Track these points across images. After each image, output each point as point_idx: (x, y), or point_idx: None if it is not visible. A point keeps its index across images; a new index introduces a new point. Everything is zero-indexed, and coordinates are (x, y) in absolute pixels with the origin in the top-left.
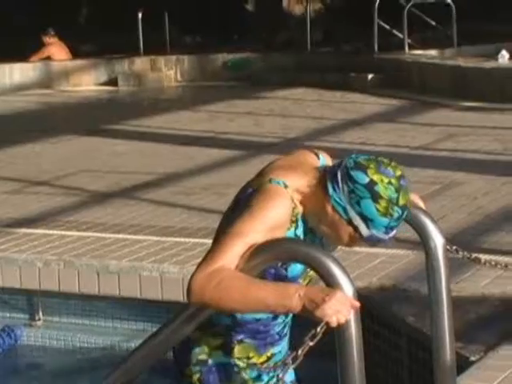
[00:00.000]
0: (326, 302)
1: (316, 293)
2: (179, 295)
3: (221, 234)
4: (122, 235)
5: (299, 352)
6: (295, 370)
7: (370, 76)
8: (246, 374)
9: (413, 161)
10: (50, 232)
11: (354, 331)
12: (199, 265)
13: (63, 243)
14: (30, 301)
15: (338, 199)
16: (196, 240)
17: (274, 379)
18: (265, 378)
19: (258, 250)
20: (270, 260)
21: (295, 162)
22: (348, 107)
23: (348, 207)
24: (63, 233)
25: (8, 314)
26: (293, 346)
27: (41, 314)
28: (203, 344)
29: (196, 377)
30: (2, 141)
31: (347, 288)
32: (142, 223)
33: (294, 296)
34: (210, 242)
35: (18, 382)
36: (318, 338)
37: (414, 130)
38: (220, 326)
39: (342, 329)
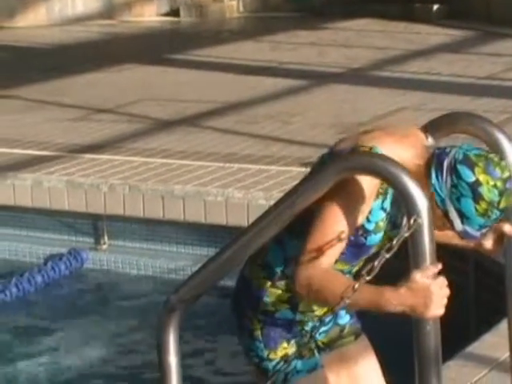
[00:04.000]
0: (429, 306)
1: (414, 299)
2: (243, 220)
3: (317, 216)
4: (187, 161)
5: (375, 263)
6: (358, 316)
7: (435, 6)
8: (307, 327)
9: (480, 91)
10: (115, 158)
11: None
12: (303, 257)
13: (128, 168)
14: (96, 225)
15: (438, 189)
16: (260, 167)
17: (331, 324)
18: (322, 327)
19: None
20: (347, 171)
21: (402, 133)
22: (412, 38)
23: (447, 200)
24: (128, 158)
25: (74, 238)
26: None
27: (106, 238)
28: (272, 296)
29: (258, 325)
30: (65, 70)
31: (422, 208)
32: (206, 150)
33: (390, 305)
34: (274, 168)
35: (82, 304)
36: (393, 250)
37: (480, 60)
38: (290, 279)
39: None
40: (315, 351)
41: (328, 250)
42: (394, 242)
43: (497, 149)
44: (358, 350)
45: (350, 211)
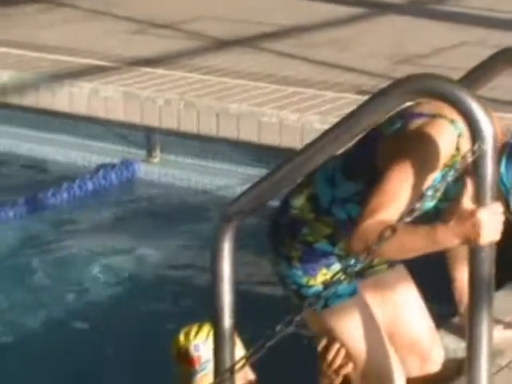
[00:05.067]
0: (482, 231)
1: (464, 225)
2: (296, 142)
3: (386, 175)
4: (243, 81)
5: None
6: None
7: None
8: (343, 263)
9: None
10: (172, 72)
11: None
12: (367, 211)
13: (185, 83)
14: (149, 138)
15: (505, 179)
16: (316, 91)
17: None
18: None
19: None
20: (412, 93)
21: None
22: None
23: (511, 191)
24: (185, 74)
25: (127, 149)
26: None
27: (158, 151)
28: (313, 228)
29: (296, 253)
30: None
31: (486, 127)
32: (262, 71)
33: (446, 240)
34: (329, 94)
35: (131, 214)
36: (453, 175)
37: None
38: (335, 217)
39: None
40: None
41: (391, 210)
42: (456, 166)
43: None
44: (392, 278)
45: (420, 175)
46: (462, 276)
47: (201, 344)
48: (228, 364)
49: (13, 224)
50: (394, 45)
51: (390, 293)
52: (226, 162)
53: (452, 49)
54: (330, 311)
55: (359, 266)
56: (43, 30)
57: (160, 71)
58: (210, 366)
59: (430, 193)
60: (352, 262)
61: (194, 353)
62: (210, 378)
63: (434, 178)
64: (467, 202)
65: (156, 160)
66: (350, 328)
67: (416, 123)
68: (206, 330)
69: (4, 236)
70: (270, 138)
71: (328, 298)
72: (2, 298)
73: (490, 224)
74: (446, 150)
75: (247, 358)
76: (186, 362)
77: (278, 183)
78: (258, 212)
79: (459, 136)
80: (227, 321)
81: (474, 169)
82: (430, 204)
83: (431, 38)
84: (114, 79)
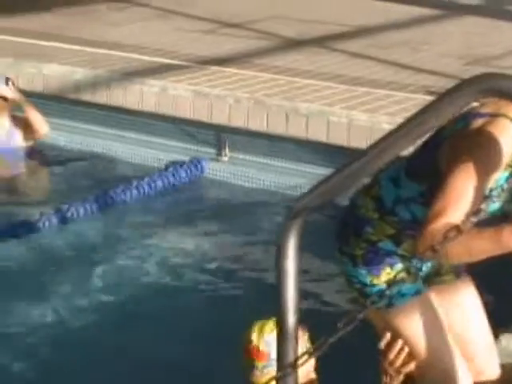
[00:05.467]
0: None
1: None
2: (365, 143)
3: (450, 177)
4: (313, 81)
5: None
6: None
7: None
8: (407, 263)
9: None
10: (243, 72)
11: None
12: (432, 214)
13: (255, 83)
14: (218, 136)
15: None
16: (387, 92)
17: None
18: (424, 268)
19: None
20: (483, 92)
21: None
22: None
23: None
24: (255, 73)
25: (196, 147)
26: None
27: (227, 150)
28: (377, 228)
29: (360, 252)
30: None
31: None
32: (333, 72)
33: (508, 242)
34: (400, 94)
35: (199, 211)
36: None
37: None
38: (398, 217)
39: None
40: (419, 277)
41: (456, 212)
42: None
43: None
44: (459, 288)
45: (483, 175)
46: None
47: (272, 340)
48: (290, 360)
49: (83, 221)
50: (465, 46)
51: (458, 298)
52: (294, 162)
53: None
54: (394, 310)
55: (424, 268)
56: (115, 28)
57: (230, 70)
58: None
59: (495, 193)
60: (416, 261)
61: (264, 348)
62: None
63: (496, 177)
64: None
65: (225, 158)
66: (413, 326)
67: (477, 123)
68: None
69: (74, 233)
70: (339, 138)
71: (392, 297)
72: (74, 293)
73: None
74: (508, 149)
75: (309, 354)
76: (256, 356)
77: (344, 181)
78: (325, 211)
79: None
80: (291, 318)
81: None
82: (495, 205)
83: (503, 40)
84: (184, 78)
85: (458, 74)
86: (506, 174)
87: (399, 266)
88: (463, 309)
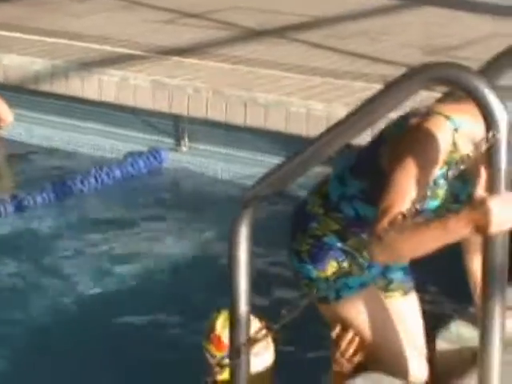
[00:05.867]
0: (492, 219)
1: (474, 213)
2: None
3: (392, 175)
4: (272, 71)
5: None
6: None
7: None
8: (351, 258)
9: None
10: (202, 62)
11: None
12: (380, 212)
13: (214, 73)
14: (177, 126)
15: None
16: (344, 81)
17: (378, 269)
18: (372, 270)
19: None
20: (430, 81)
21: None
22: None
23: None
24: (214, 64)
25: (155, 137)
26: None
27: (186, 139)
28: (322, 223)
29: (306, 247)
30: None
31: (500, 115)
32: (292, 62)
33: (458, 229)
34: (358, 85)
35: (158, 202)
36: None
37: None
38: (343, 214)
39: None
40: (365, 269)
41: (402, 206)
42: (470, 153)
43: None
44: (403, 305)
45: (424, 170)
46: (476, 266)
47: None
48: (243, 349)
49: (41, 210)
50: (424, 36)
51: (400, 316)
52: (253, 151)
53: (483, 40)
54: (342, 301)
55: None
56: (75, 18)
57: (189, 60)
58: None
59: (432, 186)
60: (361, 258)
61: (226, 339)
62: None
63: (435, 174)
64: (480, 192)
65: (184, 148)
66: (362, 315)
67: (415, 122)
68: None
69: (32, 221)
70: (297, 128)
71: (339, 290)
72: (30, 282)
73: (500, 212)
74: (444, 145)
75: (255, 340)
76: (217, 345)
77: (294, 170)
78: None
79: (455, 131)
80: (243, 307)
81: (487, 157)
82: (434, 203)
83: (462, 30)
84: (144, 68)
85: (417, 64)
86: (443, 170)
87: (344, 260)
88: (405, 327)
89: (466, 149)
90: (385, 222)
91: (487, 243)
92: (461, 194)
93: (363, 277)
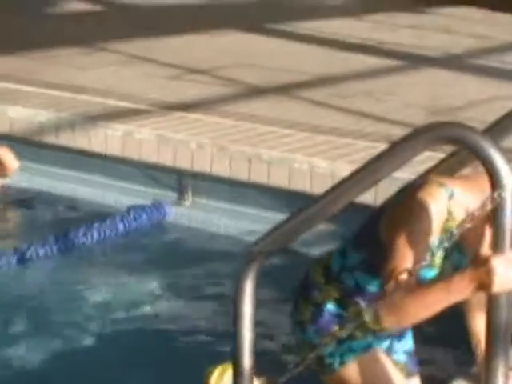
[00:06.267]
0: (494, 278)
1: (478, 272)
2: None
3: (391, 245)
4: (275, 128)
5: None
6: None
7: None
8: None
9: None
10: (206, 117)
11: None
12: (384, 281)
13: (218, 129)
14: (181, 181)
15: None
16: (348, 140)
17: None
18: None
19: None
20: (434, 140)
21: (477, 178)
22: None
23: None
24: (218, 120)
25: (158, 191)
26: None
27: (190, 194)
28: (323, 291)
29: (308, 315)
30: (163, 30)
31: (506, 175)
32: (295, 119)
33: (461, 288)
34: (362, 143)
35: (160, 255)
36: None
37: None
38: (344, 284)
39: None
40: (368, 334)
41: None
42: (476, 212)
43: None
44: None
45: (419, 239)
46: (478, 325)
47: None
48: None
49: (43, 262)
50: (428, 97)
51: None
52: (257, 208)
53: (486, 102)
54: (347, 367)
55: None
56: (81, 72)
57: (194, 116)
58: None
59: (428, 257)
60: (357, 321)
61: None
62: None
63: (433, 241)
64: (485, 250)
65: (187, 203)
66: (367, 378)
67: (411, 191)
68: None
69: (34, 274)
70: (301, 185)
71: (343, 354)
72: (30, 335)
73: (504, 272)
74: (439, 213)
75: None
76: None
77: (299, 226)
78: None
79: (450, 198)
80: (247, 361)
81: (492, 217)
82: (433, 273)
83: (466, 92)
84: (148, 122)
85: (420, 124)
86: (440, 239)
87: (347, 324)
88: None
89: (461, 218)
90: (390, 285)
91: (491, 302)
92: (460, 266)
93: (367, 340)
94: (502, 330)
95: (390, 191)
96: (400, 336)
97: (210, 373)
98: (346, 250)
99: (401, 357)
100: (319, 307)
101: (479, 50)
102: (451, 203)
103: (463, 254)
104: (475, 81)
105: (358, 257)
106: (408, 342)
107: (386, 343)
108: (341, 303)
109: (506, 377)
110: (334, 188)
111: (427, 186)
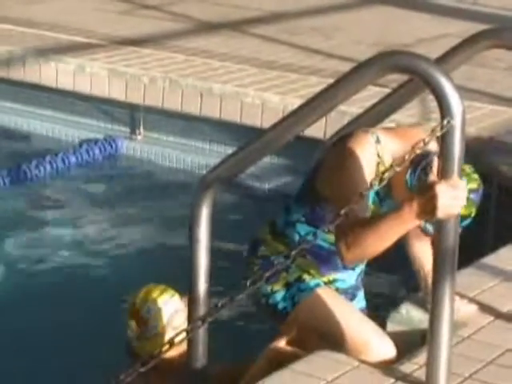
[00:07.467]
0: (438, 203)
1: (423, 199)
2: None
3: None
4: (228, 63)
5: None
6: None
7: None
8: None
9: None
10: (158, 52)
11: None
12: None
13: (170, 63)
14: (133, 115)
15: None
16: (299, 76)
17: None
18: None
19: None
20: (389, 69)
21: (402, 130)
22: None
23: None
24: (170, 54)
25: (110, 126)
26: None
27: (142, 128)
28: (269, 246)
29: (257, 267)
30: None
31: (457, 110)
32: (247, 55)
33: (409, 217)
34: (313, 79)
35: (112, 189)
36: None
37: None
38: (289, 238)
39: None
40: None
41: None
42: (426, 139)
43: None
44: None
45: (357, 182)
46: (418, 251)
47: (153, 308)
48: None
49: None
50: (377, 34)
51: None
52: (208, 142)
53: (435, 40)
54: (299, 307)
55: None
56: (33, 5)
57: (146, 50)
58: (156, 331)
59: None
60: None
61: (145, 314)
62: (154, 342)
63: (367, 182)
64: (430, 177)
65: (140, 137)
66: (324, 312)
67: (339, 143)
68: (169, 294)
69: None
70: (252, 119)
71: (294, 296)
72: None
73: (448, 197)
74: (370, 155)
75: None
76: (136, 319)
77: (252, 155)
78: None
79: (377, 143)
80: (202, 285)
81: (441, 144)
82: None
83: (415, 29)
84: (101, 56)
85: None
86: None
87: (293, 270)
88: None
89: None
90: (344, 223)
91: (439, 227)
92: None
93: (315, 279)
94: (449, 254)
95: (340, 125)
96: (353, 296)
97: (140, 292)
98: (290, 206)
99: (361, 304)
100: (267, 259)
101: None
102: (379, 148)
103: (396, 201)
104: (424, 18)
105: (300, 211)
106: (360, 302)
107: None
108: (287, 257)
109: (453, 300)
110: (287, 117)
111: (353, 134)
